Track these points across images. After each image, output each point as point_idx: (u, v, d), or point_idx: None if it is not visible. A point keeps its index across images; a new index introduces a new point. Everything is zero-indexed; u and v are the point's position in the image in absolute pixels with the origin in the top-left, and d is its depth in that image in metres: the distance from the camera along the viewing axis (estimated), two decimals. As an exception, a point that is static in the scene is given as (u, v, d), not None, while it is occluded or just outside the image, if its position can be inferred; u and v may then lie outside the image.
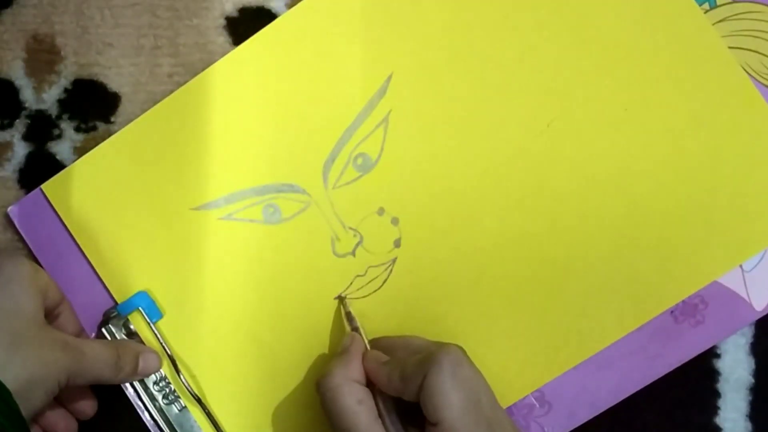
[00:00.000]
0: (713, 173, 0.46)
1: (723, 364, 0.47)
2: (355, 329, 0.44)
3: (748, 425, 0.47)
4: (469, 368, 0.39)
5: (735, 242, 0.46)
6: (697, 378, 0.46)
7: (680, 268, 0.45)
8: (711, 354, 0.46)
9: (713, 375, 0.46)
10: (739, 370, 0.47)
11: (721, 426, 0.47)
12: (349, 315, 0.45)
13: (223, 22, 0.48)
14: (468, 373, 0.38)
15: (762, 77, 0.46)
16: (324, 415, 0.40)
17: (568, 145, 0.46)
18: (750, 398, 0.47)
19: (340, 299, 0.46)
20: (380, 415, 0.39)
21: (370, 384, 0.41)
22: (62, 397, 0.41)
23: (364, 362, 0.41)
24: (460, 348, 0.39)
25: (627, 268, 0.45)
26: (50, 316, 0.44)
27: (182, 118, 0.46)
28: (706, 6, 0.46)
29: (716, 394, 0.47)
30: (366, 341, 0.43)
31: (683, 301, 0.46)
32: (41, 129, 0.48)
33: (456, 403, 0.37)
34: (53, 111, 0.48)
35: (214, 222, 0.46)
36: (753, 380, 0.47)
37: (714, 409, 0.47)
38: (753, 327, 0.46)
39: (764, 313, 0.46)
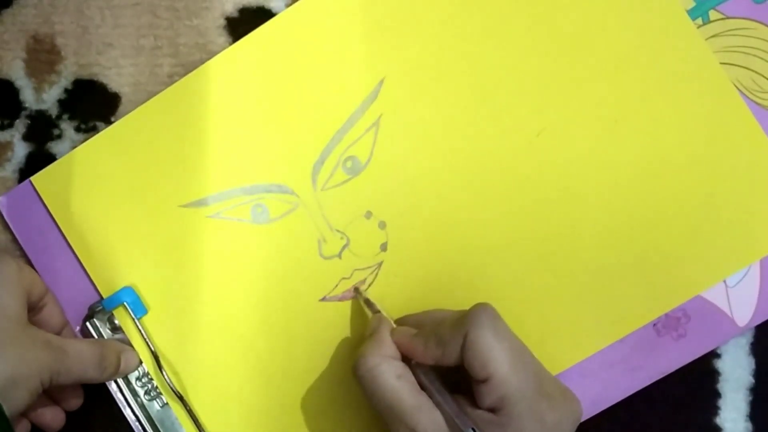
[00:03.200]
0: (700, 188, 0.46)
1: (723, 364, 0.47)
2: (377, 313, 0.43)
3: (748, 425, 0.47)
4: (504, 323, 0.39)
5: (719, 257, 0.46)
6: (697, 378, 0.46)
7: (664, 281, 0.46)
8: (711, 354, 0.46)
9: (713, 375, 0.47)
10: (739, 370, 0.47)
11: (721, 426, 0.47)
12: (368, 301, 0.44)
13: (223, 22, 0.48)
14: (505, 326, 0.38)
15: (752, 94, 0.46)
16: (364, 398, 0.39)
17: (557, 154, 0.46)
18: (750, 398, 0.47)
19: (356, 289, 0.46)
20: (423, 388, 0.39)
21: (404, 360, 0.40)
22: (49, 390, 0.41)
23: (395, 338, 0.41)
24: (492, 306, 0.39)
25: (611, 279, 0.46)
26: (34, 309, 0.44)
27: (174, 115, 0.46)
28: (699, 21, 0.46)
29: (716, 394, 0.47)
30: (391, 321, 0.42)
31: (666, 314, 0.46)
32: (41, 129, 0.48)
33: (503, 354, 0.37)
34: (53, 111, 0.48)
35: (202, 220, 0.46)
36: (753, 380, 0.47)
37: (714, 409, 0.47)
38: (753, 327, 0.46)
39: (746, 329, 0.46)
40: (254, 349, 0.46)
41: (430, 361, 0.39)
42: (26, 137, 0.48)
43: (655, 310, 0.46)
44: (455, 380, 0.39)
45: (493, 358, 0.37)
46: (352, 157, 0.46)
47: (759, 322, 0.46)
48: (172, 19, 0.48)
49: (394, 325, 0.42)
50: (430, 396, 0.39)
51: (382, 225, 0.46)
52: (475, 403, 0.38)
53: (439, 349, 0.39)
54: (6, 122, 0.48)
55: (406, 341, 0.40)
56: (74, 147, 0.47)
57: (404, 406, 0.38)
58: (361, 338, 0.45)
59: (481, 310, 0.38)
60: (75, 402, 0.45)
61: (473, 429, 0.37)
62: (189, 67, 0.47)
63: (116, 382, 0.45)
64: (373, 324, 0.42)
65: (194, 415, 0.45)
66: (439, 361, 0.39)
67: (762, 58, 0.47)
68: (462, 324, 0.38)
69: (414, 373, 0.40)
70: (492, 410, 0.37)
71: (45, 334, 0.42)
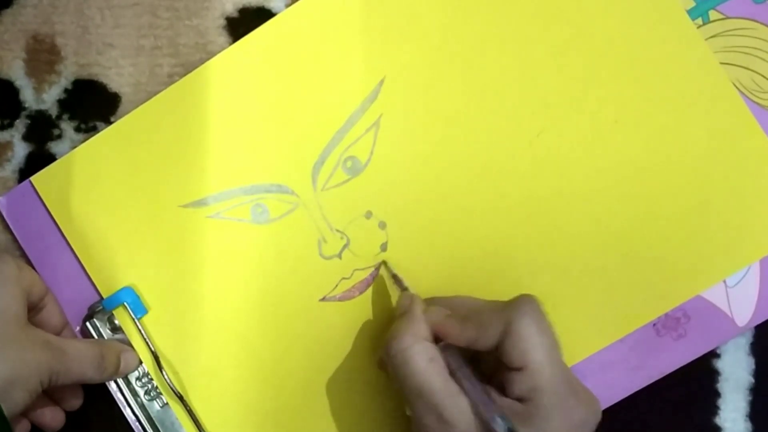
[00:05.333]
0: (700, 189, 0.46)
1: (723, 364, 0.47)
2: (405, 290, 0.43)
3: (748, 425, 0.47)
4: (547, 318, 0.39)
5: (719, 257, 0.46)
6: (697, 378, 0.47)
7: (664, 281, 0.46)
8: (711, 354, 0.46)
9: (713, 375, 0.47)
10: (739, 370, 0.47)
11: (721, 426, 0.47)
12: (396, 277, 0.44)
13: (223, 22, 0.48)
14: (548, 322, 0.39)
15: (752, 94, 0.46)
16: (392, 378, 0.39)
17: (557, 155, 0.46)
18: (750, 398, 0.47)
19: (384, 263, 0.45)
20: (450, 372, 0.39)
21: (434, 342, 0.40)
22: (49, 390, 0.41)
23: (429, 317, 0.40)
24: (538, 299, 0.39)
25: (611, 279, 0.46)
26: (34, 309, 0.44)
27: (174, 115, 0.46)
28: (699, 21, 0.46)
29: (716, 394, 0.47)
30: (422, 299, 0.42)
31: (666, 314, 0.46)
32: (41, 129, 0.48)
33: (542, 346, 0.37)
34: (53, 111, 0.48)
35: (202, 220, 0.46)
36: (753, 380, 0.47)
37: (714, 409, 0.47)
38: (753, 327, 0.46)
39: (746, 329, 0.46)
40: (254, 349, 0.46)
41: (463, 343, 0.39)
42: (26, 137, 0.48)
43: (655, 310, 0.46)
44: (478, 369, 0.39)
45: (533, 348, 0.37)
46: (352, 157, 0.46)
47: (759, 322, 0.46)
48: (172, 19, 0.48)
49: (424, 305, 0.42)
50: (458, 381, 0.38)
51: (382, 225, 0.46)
52: (501, 392, 0.38)
53: (476, 332, 0.39)
54: (6, 122, 0.48)
55: (441, 321, 0.40)
56: (74, 147, 0.47)
57: (434, 390, 0.37)
58: (360, 338, 0.45)
59: (527, 300, 0.39)
60: (75, 402, 0.45)
61: (501, 417, 0.37)
62: (189, 67, 0.47)
63: (116, 382, 0.45)
64: (404, 302, 0.42)
65: (194, 415, 0.45)
66: (472, 344, 0.39)
67: (762, 58, 0.47)
68: (506, 311, 0.38)
69: (443, 356, 0.39)
70: (520, 400, 0.37)
71: (45, 334, 0.42)
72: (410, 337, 0.39)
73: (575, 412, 0.38)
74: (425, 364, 0.38)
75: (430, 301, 0.43)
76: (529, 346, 0.37)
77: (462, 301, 0.42)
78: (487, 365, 0.40)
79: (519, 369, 0.37)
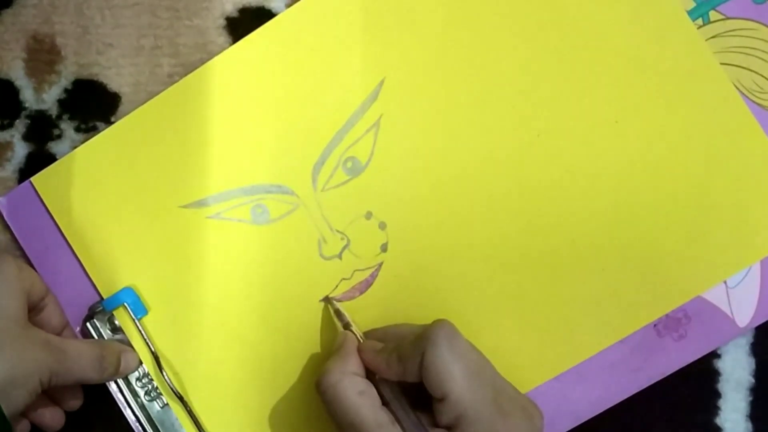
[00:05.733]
0: (701, 189, 0.46)
1: (723, 364, 0.47)
2: (347, 325, 0.43)
3: (749, 425, 0.47)
4: (463, 340, 0.39)
5: (720, 258, 0.46)
6: (697, 378, 0.46)
7: (665, 282, 0.46)
8: (711, 354, 0.46)
9: (713, 375, 0.47)
10: (739, 370, 0.47)
11: (721, 426, 0.47)
12: (338, 312, 0.45)
13: (223, 22, 0.48)
14: (464, 344, 0.39)
15: (753, 94, 0.46)
16: (326, 414, 0.39)
17: (558, 155, 0.46)
18: (750, 398, 0.47)
19: (327, 300, 0.46)
20: (385, 403, 0.39)
21: (370, 375, 0.40)
22: (49, 390, 0.41)
23: (360, 353, 0.41)
24: (451, 323, 0.39)
25: (612, 280, 0.46)
26: (34, 310, 0.44)
27: (174, 115, 0.46)
28: (699, 21, 0.46)
29: (716, 394, 0.47)
30: (359, 336, 0.43)
31: (667, 315, 0.46)
32: (41, 129, 0.48)
33: (458, 374, 0.37)
34: (53, 111, 0.48)
35: (202, 220, 0.46)
36: (753, 380, 0.47)
37: (714, 409, 0.47)
38: (753, 327, 0.46)
39: (747, 330, 0.46)
40: (254, 350, 0.46)
41: (393, 378, 0.39)
42: (26, 137, 0.48)
43: (655, 311, 0.46)
44: (420, 396, 0.39)
45: (449, 378, 0.37)
46: (353, 158, 0.46)
47: (759, 322, 0.46)
48: (172, 19, 0.48)
49: (361, 340, 0.42)
50: (392, 412, 0.39)
51: (383, 225, 0.46)
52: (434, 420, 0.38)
53: (401, 366, 0.39)
54: (6, 122, 0.48)
55: (370, 357, 0.40)
56: (74, 147, 0.47)
57: (365, 422, 0.38)
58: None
59: (438, 327, 0.38)
60: (75, 402, 0.45)
61: None
62: (189, 67, 0.47)
63: (116, 382, 0.45)
64: (340, 339, 0.42)
65: (194, 416, 0.45)
66: (401, 377, 0.39)
67: (762, 59, 0.47)
68: (420, 342, 0.38)
69: (378, 389, 0.40)
70: (448, 428, 0.37)
71: (44, 334, 0.42)
72: (339, 373, 0.39)
73: None
74: (355, 397, 0.38)
75: (368, 334, 0.43)
76: (444, 376, 0.37)
77: (395, 332, 0.42)
78: (423, 395, 0.39)
79: (441, 399, 0.37)
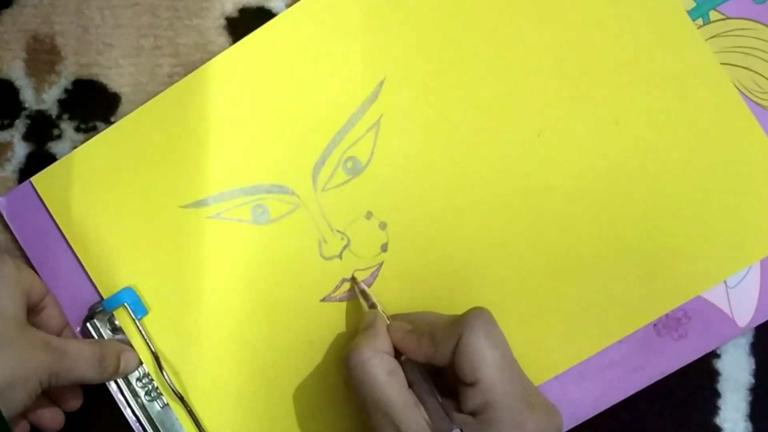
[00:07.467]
0: (701, 189, 0.46)
1: (723, 364, 0.47)
2: (372, 305, 0.44)
3: (748, 425, 0.47)
4: (500, 330, 0.39)
5: (720, 258, 0.46)
6: (697, 378, 0.47)
7: (665, 281, 0.46)
8: (711, 354, 0.46)
9: (713, 375, 0.47)
10: (739, 370, 0.47)
11: (721, 426, 0.47)
12: (364, 293, 0.45)
13: (223, 22, 0.48)
14: (499, 333, 0.39)
15: (753, 94, 0.46)
16: (352, 390, 0.40)
17: (558, 155, 0.46)
18: (750, 398, 0.47)
19: (353, 279, 0.46)
20: (410, 385, 0.39)
21: (396, 356, 0.40)
22: (48, 390, 0.41)
23: (390, 332, 0.41)
24: (489, 311, 0.40)
25: (612, 279, 0.46)
26: (34, 311, 0.44)
27: (174, 115, 0.46)
28: (700, 21, 0.46)
29: (716, 394, 0.47)
30: (386, 316, 0.43)
31: (666, 315, 0.46)
32: (41, 129, 0.48)
33: (493, 361, 0.38)
34: (53, 111, 0.48)
35: (202, 220, 0.46)
36: (753, 380, 0.47)
37: (714, 409, 0.47)
38: (753, 327, 0.46)
39: (746, 330, 0.46)
40: (255, 350, 0.46)
41: (421, 359, 0.40)
42: (26, 137, 0.48)
43: (655, 311, 0.46)
44: (442, 381, 0.39)
45: (484, 364, 0.37)
46: (353, 158, 0.46)
47: (759, 322, 0.46)
48: (172, 19, 0.48)
49: (388, 321, 0.42)
50: (417, 394, 0.39)
51: (383, 225, 0.46)
52: (459, 405, 0.38)
53: (432, 347, 0.39)
54: (6, 122, 0.48)
55: (400, 336, 0.41)
56: (74, 147, 0.47)
57: (392, 402, 0.38)
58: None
59: (477, 314, 0.39)
60: (74, 403, 0.45)
61: (456, 430, 0.37)
62: (189, 67, 0.47)
63: (116, 382, 0.45)
64: (369, 318, 0.42)
65: (195, 416, 0.45)
66: (430, 359, 0.39)
67: (762, 59, 0.47)
68: (457, 326, 0.39)
69: (403, 370, 0.40)
70: (474, 414, 0.38)
71: (44, 335, 0.41)
72: (370, 350, 0.39)
73: (528, 425, 0.38)
74: (384, 376, 0.39)
75: (394, 318, 0.43)
76: (479, 362, 0.38)
77: (423, 317, 0.43)
78: (449, 380, 0.40)
79: (472, 384, 0.38)
